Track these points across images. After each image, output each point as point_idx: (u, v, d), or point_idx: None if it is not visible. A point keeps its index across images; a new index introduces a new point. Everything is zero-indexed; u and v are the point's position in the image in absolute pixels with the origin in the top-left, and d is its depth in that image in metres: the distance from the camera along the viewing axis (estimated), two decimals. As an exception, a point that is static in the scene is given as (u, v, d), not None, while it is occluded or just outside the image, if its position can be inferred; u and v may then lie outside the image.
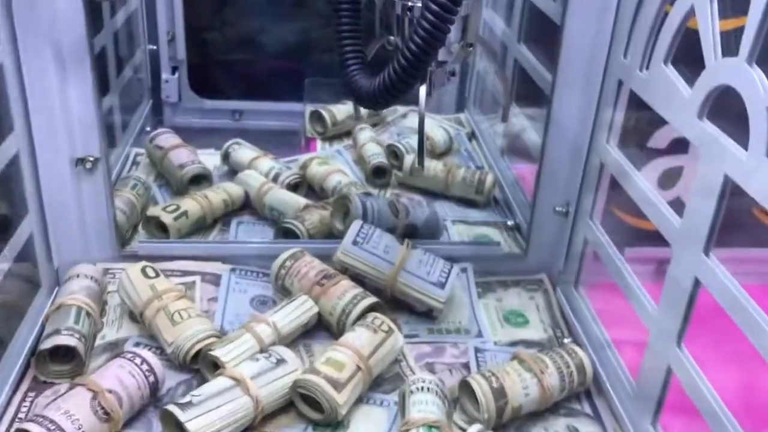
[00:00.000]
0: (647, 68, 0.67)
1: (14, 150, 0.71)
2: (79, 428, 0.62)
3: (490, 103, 1.33)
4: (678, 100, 0.60)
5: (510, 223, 1.05)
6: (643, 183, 0.69)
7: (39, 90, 0.74)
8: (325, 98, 1.30)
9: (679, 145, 0.87)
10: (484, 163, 1.22)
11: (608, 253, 0.77)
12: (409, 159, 1.13)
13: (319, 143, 1.27)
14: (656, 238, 0.70)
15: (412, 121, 1.35)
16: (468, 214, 1.08)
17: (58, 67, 0.74)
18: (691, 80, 0.60)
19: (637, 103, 0.72)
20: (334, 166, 1.10)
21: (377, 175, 1.14)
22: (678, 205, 0.94)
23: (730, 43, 0.55)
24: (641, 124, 0.82)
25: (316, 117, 1.27)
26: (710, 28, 0.55)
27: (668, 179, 0.92)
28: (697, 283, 0.58)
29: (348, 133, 1.27)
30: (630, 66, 0.70)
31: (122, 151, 1.15)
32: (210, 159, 1.14)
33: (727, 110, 0.58)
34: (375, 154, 1.14)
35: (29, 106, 0.73)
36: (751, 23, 0.50)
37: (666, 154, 0.90)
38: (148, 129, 1.27)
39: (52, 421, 0.62)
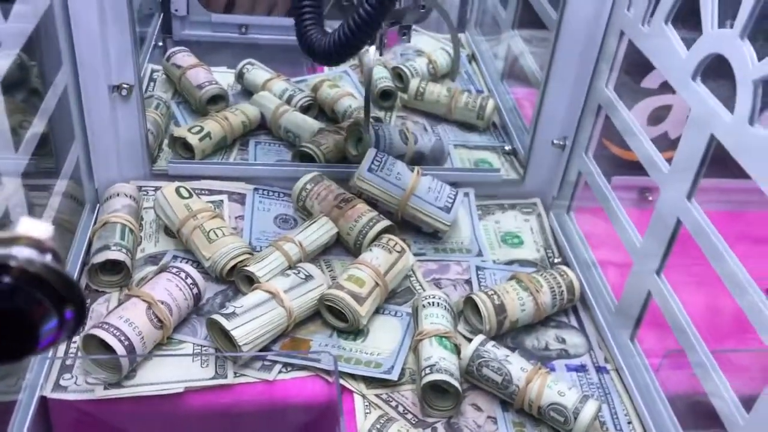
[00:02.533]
0: (648, 24, 0.73)
1: (64, 84, 0.77)
2: (139, 334, 0.72)
3: (491, 24, 1.37)
4: (674, 60, 0.68)
5: (507, 147, 1.12)
6: (637, 128, 0.77)
7: (83, 25, 0.78)
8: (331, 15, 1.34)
9: (669, 86, 0.94)
10: (483, 86, 1.29)
11: (599, 185, 0.86)
12: (415, 82, 1.19)
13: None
14: (641, 168, 0.79)
15: (414, 41, 1.40)
16: (469, 138, 1.16)
17: (99, 4, 0.79)
18: (688, 41, 0.67)
19: (635, 49, 0.79)
20: (344, 90, 1.16)
21: (383, 97, 1.20)
22: (664, 140, 1.03)
23: (727, 14, 0.62)
24: (637, 67, 0.89)
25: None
26: None
27: (657, 116, 1.00)
28: (678, 222, 0.67)
29: (353, 53, 1.32)
30: (632, 19, 0.76)
31: (140, 68, 1.19)
32: (223, 77, 1.19)
33: (722, 73, 0.65)
34: (382, 78, 1.20)
35: (74, 41, 0.78)
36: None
37: (656, 93, 0.98)
38: (160, 44, 1.30)
39: (116, 328, 0.71)
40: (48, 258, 0.33)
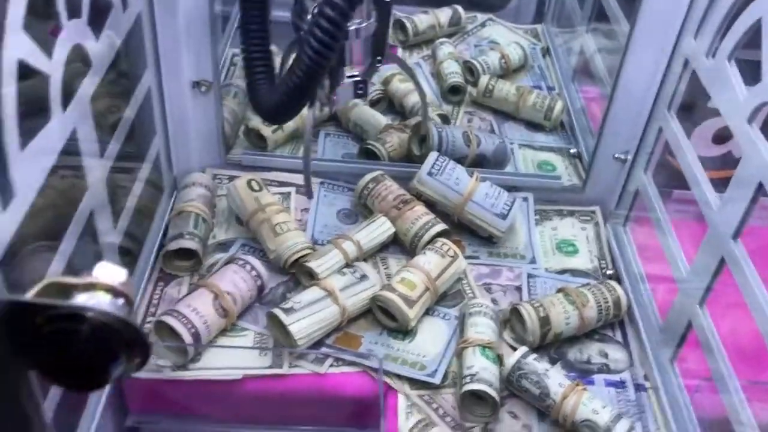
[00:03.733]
0: (713, 57, 0.73)
1: (148, 84, 0.83)
2: (205, 322, 0.79)
3: (569, 17, 1.36)
4: (733, 99, 0.68)
5: (573, 151, 1.13)
6: (693, 163, 0.77)
7: (168, 32, 0.84)
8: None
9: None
10: (555, 83, 1.29)
11: (655, 203, 0.87)
12: (484, 79, 1.20)
13: (399, 50, 1.34)
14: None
15: (490, 31, 1.41)
16: (535, 138, 1.17)
17: (183, 12, 0.84)
18: (753, 77, 0.67)
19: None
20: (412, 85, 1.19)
21: (452, 92, 1.22)
22: (728, 159, 1.02)
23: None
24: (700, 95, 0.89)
25: (399, 26, 1.34)
26: (771, 45, 0.62)
27: (722, 135, 0.99)
28: (722, 261, 0.69)
29: (427, 42, 1.35)
30: (697, 49, 0.76)
31: (221, 53, 1.25)
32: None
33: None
34: (452, 73, 1.22)
35: (159, 45, 0.84)
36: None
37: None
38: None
39: (184, 316, 0.78)
40: (121, 303, 0.38)
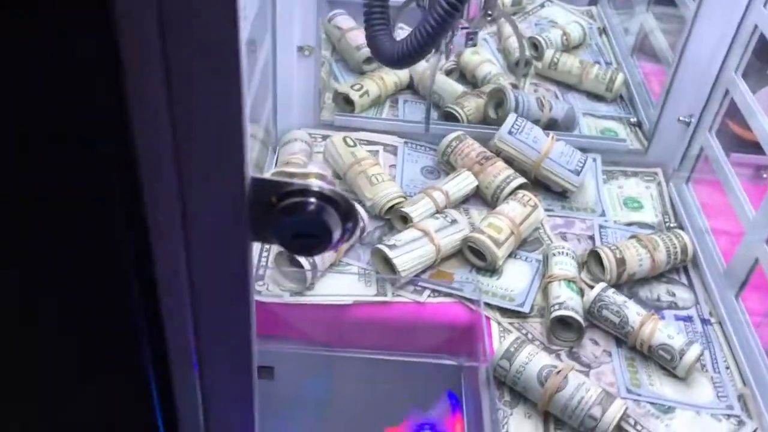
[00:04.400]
0: (782, 21, 0.82)
1: (267, 45, 0.93)
2: (321, 255, 0.89)
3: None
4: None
5: (633, 119, 1.22)
6: (759, 111, 0.86)
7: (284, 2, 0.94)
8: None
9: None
10: (612, 59, 1.38)
11: (719, 161, 0.95)
12: (550, 53, 1.29)
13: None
14: (759, 147, 0.88)
15: (548, 11, 1.50)
16: (596, 108, 1.26)
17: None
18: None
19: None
20: (485, 56, 1.28)
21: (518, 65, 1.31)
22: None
23: None
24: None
25: (466, 5, 1.43)
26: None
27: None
28: (791, 199, 0.77)
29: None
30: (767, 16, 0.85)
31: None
32: (376, 39, 1.33)
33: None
34: (518, 47, 1.31)
35: (276, 14, 0.94)
36: None
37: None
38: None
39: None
40: (335, 188, 0.48)
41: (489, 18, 0.82)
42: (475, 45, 0.86)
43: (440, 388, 0.94)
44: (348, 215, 0.49)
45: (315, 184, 0.48)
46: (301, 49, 1.02)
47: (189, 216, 0.36)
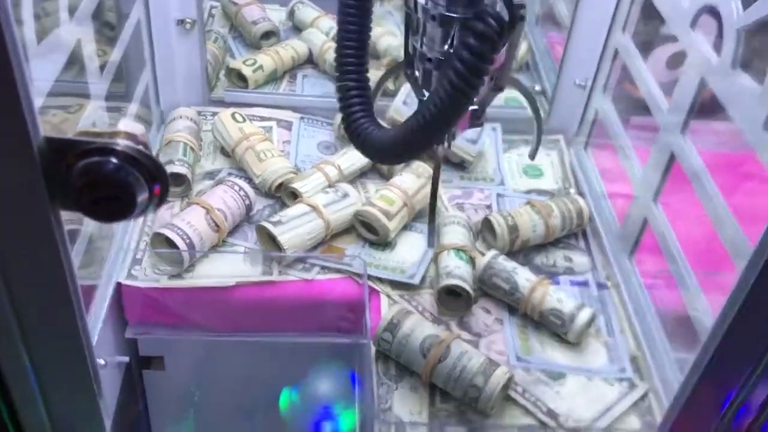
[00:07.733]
0: (660, -26, 0.81)
1: (137, 18, 0.88)
2: (198, 234, 0.84)
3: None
4: (677, 11, 0.75)
5: (537, 88, 1.20)
6: (643, 72, 0.84)
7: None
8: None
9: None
10: (519, 29, 1.36)
11: (611, 122, 0.94)
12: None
13: None
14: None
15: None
16: (501, 78, 1.23)
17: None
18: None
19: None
20: (386, 28, 1.25)
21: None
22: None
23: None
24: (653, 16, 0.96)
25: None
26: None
27: (674, 61, 1.07)
28: (672, 156, 0.76)
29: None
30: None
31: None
32: (276, 14, 1.29)
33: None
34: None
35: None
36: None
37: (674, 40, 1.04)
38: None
39: (179, 228, 0.83)
40: (141, 148, 0.44)
41: (500, 92, 0.63)
42: (481, 125, 0.66)
43: (333, 368, 0.91)
44: (155, 176, 0.45)
45: (120, 143, 0.44)
46: (181, 22, 0.98)
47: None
